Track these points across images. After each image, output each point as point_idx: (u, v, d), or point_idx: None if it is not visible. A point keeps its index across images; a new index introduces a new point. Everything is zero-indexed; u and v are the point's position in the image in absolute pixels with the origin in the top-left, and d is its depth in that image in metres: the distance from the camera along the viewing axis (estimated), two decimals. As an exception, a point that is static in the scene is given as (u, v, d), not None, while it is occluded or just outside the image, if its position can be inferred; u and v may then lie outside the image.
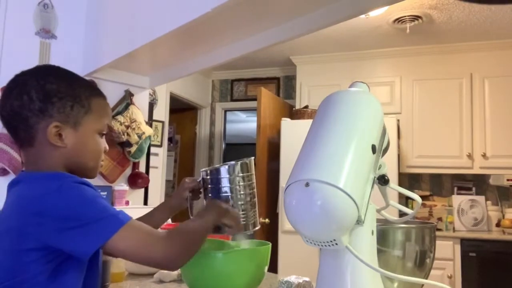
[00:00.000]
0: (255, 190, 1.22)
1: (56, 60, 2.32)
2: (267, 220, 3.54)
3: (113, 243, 0.84)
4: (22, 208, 0.86)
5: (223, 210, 1.10)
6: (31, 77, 0.94)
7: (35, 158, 0.94)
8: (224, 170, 1.16)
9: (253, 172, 1.22)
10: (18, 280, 0.84)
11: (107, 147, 1.03)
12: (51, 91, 0.92)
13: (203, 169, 1.22)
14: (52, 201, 0.84)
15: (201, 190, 1.22)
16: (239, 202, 1.16)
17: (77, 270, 0.90)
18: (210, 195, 1.18)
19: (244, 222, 1.17)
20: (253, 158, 1.23)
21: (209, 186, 1.18)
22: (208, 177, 1.18)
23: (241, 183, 1.17)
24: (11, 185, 0.94)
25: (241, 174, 1.17)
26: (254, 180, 1.23)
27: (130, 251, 0.87)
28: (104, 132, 1.01)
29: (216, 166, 1.26)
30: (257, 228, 1.23)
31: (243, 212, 1.17)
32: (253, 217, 1.21)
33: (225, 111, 4.91)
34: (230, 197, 1.16)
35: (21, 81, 0.94)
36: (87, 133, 0.96)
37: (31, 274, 0.84)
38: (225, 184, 1.17)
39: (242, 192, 1.17)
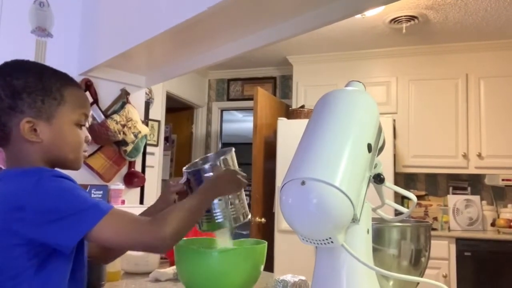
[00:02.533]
0: None
1: (51, 58, 2.31)
2: (263, 219, 3.54)
3: (96, 233, 0.84)
4: (3, 205, 0.85)
5: (218, 178, 1.08)
6: None
7: (14, 155, 0.93)
8: (207, 167, 1.14)
9: (235, 163, 1.20)
10: (5, 277, 0.84)
11: (89, 137, 1.01)
12: (19, 86, 0.91)
13: (186, 168, 1.19)
14: (31, 195, 0.83)
15: (187, 190, 1.19)
16: (227, 196, 1.15)
17: (63, 264, 0.89)
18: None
19: (234, 215, 1.16)
20: (233, 149, 1.21)
21: (195, 184, 1.16)
22: (192, 176, 1.16)
23: None
24: None
25: (224, 168, 1.15)
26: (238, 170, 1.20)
27: (113, 240, 0.86)
28: (82, 123, 0.99)
29: (198, 162, 1.24)
30: (248, 218, 1.21)
31: (231, 206, 1.15)
32: (242, 207, 1.19)
33: (222, 111, 4.91)
34: None
35: None
36: (63, 125, 0.94)
37: (18, 270, 0.83)
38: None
39: None
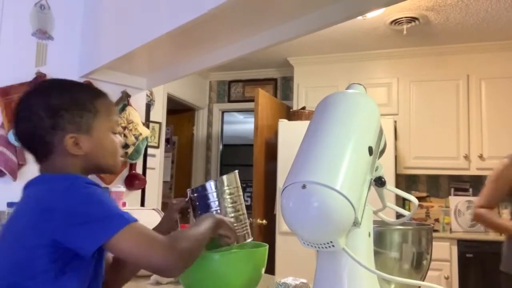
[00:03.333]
0: (243, 204, 1.24)
1: (52, 61, 2.31)
2: (264, 221, 3.54)
3: (115, 242, 0.86)
4: (35, 206, 0.90)
5: (219, 220, 1.11)
6: (34, 97, 0.98)
7: (53, 168, 0.98)
8: (209, 187, 1.19)
9: (239, 185, 1.24)
10: (26, 276, 0.87)
11: (122, 140, 1.08)
12: (57, 105, 0.96)
13: (189, 189, 1.24)
14: (61, 198, 0.88)
15: (189, 210, 1.23)
16: (228, 216, 1.18)
17: (82, 271, 0.92)
18: (199, 212, 1.20)
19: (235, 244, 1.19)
20: (237, 171, 1.25)
21: (197, 204, 1.20)
22: (195, 195, 1.20)
23: (228, 198, 1.19)
24: (28, 186, 0.99)
25: (228, 191, 1.19)
26: (241, 193, 1.25)
27: (131, 251, 0.88)
28: (116, 130, 1.05)
29: (202, 184, 1.28)
30: (249, 240, 1.25)
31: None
32: (243, 229, 1.23)
33: (223, 112, 4.91)
34: (219, 214, 1.17)
35: (26, 103, 0.98)
36: (101, 134, 1.00)
37: (39, 271, 0.87)
38: (212, 200, 1.18)
39: (229, 206, 1.19)
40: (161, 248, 0.88)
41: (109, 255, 1.09)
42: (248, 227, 1.25)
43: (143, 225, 0.92)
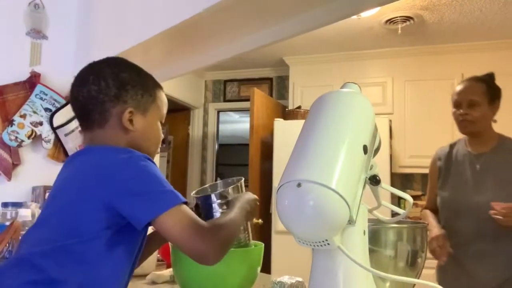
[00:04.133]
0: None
1: (47, 60, 2.30)
2: (260, 220, 3.54)
3: (164, 218, 0.87)
4: (93, 172, 0.91)
5: (253, 208, 1.14)
6: (105, 66, 1.03)
7: (103, 139, 0.99)
8: (215, 196, 1.19)
9: (244, 191, 1.24)
10: (77, 240, 0.87)
11: (163, 136, 1.11)
12: (125, 79, 1.02)
13: (194, 193, 1.25)
14: (122, 167, 0.90)
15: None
16: None
17: (132, 242, 0.95)
18: (204, 218, 1.20)
19: (235, 243, 1.21)
20: (243, 178, 1.25)
21: (203, 210, 1.20)
22: (201, 202, 1.21)
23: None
24: (77, 156, 1.01)
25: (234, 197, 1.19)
26: None
27: (174, 231, 0.88)
28: (163, 122, 1.09)
29: (206, 188, 1.29)
30: (249, 242, 1.26)
31: None
32: (245, 236, 1.24)
33: (218, 112, 4.90)
34: None
35: (97, 68, 1.03)
36: (153, 120, 1.05)
37: (91, 236, 0.87)
38: (216, 210, 1.18)
39: None
40: (204, 235, 0.89)
41: None
42: (250, 234, 1.27)
43: (189, 209, 0.93)
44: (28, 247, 0.90)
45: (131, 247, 0.95)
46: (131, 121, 1.00)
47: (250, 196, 1.17)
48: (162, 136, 1.10)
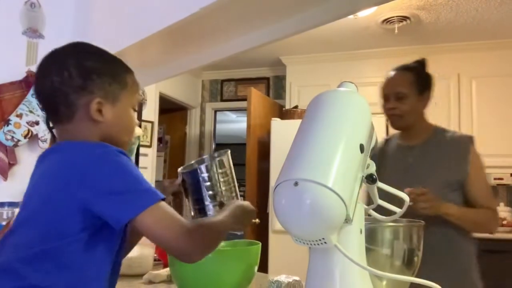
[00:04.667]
0: (236, 185, 1.20)
1: (43, 60, 2.29)
2: (257, 220, 3.54)
3: (143, 217, 0.84)
4: (68, 171, 0.87)
5: (245, 212, 1.09)
6: (68, 54, 0.96)
7: (73, 133, 0.94)
8: (203, 168, 1.14)
9: (231, 165, 1.20)
10: (55, 246, 0.84)
11: (137, 122, 1.06)
12: (90, 67, 0.94)
13: (181, 169, 1.19)
14: (96, 165, 0.86)
15: (182, 191, 1.19)
16: (222, 199, 1.14)
17: (112, 242, 0.91)
18: (191, 194, 1.16)
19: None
20: (229, 150, 1.21)
21: (190, 185, 1.16)
22: (188, 176, 1.16)
23: (221, 179, 1.15)
24: (49, 153, 0.95)
25: (220, 170, 1.15)
26: (234, 174, 1.20)
27: (153, 229, 0.86)
28: (136, 108, 1.03)
29: (193, 163, 1.24)
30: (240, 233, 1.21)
31: None
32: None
33: (215, 111, 4.90)
34: (212, 195, 1.14)
35: (60, 57, 0.96)
36: (124, 108, 0.99)
37: (68, 240, 0.84)
38: (205, 184, 1.14)
39: (224, 188, 1.15)
40: (181, 233, 0.86)
41: None
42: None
43: (169, 206, 0.90)
44: (7, 253, 0.86)
45: (112, 245, 0.92)
46: (100, 111, 0.93)
47: (246, 205, 1.13)
48: (137, 122, 1.04)
